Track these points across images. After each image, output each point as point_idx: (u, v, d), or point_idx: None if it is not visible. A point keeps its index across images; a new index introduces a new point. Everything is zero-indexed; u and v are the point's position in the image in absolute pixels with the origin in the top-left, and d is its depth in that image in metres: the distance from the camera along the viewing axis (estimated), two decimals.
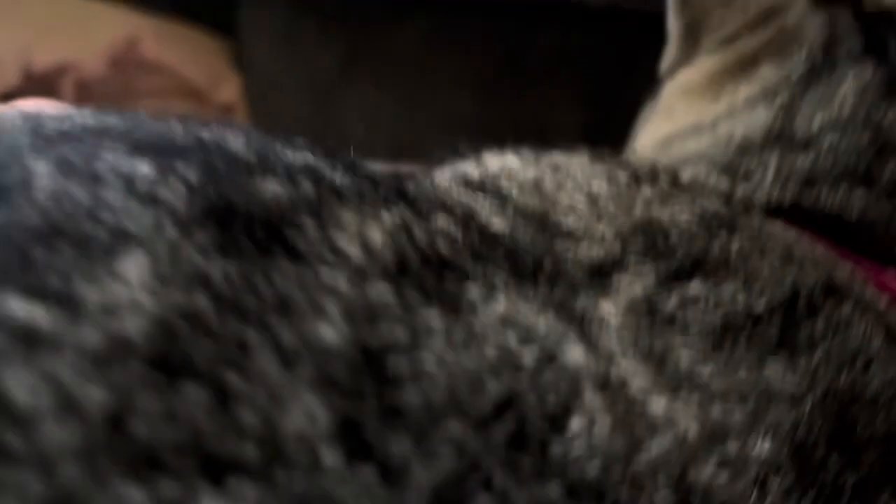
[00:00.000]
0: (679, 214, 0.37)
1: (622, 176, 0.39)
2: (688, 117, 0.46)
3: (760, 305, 0.34)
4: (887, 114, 0.44)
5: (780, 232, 0.39)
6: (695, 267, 0.35)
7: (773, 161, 0.43)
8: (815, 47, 0.45)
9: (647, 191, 0.38)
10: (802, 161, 0.43)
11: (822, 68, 0.45)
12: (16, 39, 0.86)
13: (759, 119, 0.44)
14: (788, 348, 0.33)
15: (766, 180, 0.43)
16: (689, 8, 0.48)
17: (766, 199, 0.43)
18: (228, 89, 0.89)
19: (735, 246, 0.36)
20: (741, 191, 0.43)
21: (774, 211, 0.42)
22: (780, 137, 0.44)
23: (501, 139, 0.82)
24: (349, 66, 0.86)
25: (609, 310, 0.32)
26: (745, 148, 0.44)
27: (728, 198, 0.43)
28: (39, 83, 0.87)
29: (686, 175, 0.44)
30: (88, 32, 0.87)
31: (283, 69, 0.89)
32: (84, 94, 0.88)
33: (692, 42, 0.48)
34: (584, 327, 0.31)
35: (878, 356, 0.35)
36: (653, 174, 0.39)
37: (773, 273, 0.35)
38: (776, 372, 0.32)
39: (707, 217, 0.37)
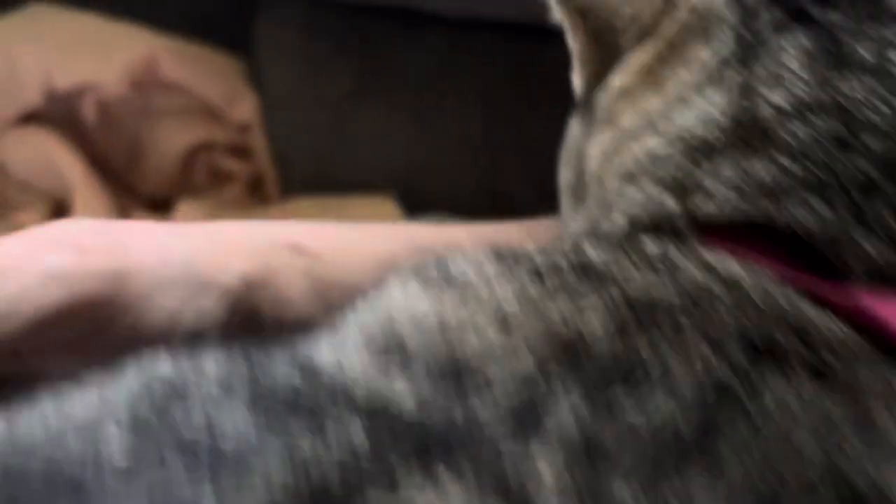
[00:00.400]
0: (591, 317, 0.35)
1: (524, 276, 0.37)
2: (634, 118, 0.43)
3: (680, 419, 0.33)
4: (847, 86, 0.40)
5: (713, 283, 0.37)
6: (619, 376, 0.34)
7: (727, 169, 0.40)
8: (734, 23, 0.42)
9: (551, 289, 0.36)
10: (760, 168, 0.40)
11: (752, 44, 0.41)
12: (38, 60, 0.88)
13: (713, 105, 0.41)
14: (710, 468, 0.33)
15: (717, 196, 0.40)
16: (592, 15, 0.44)
17: (716, 214, 0.40)
18: (244, 107, 0.91)
19: (652, 345, 0.35)
20: (690, 207, 0.40)
21: (724, 226, 0.40)
22: (737, 129, 0.40)
23: (511, 158, 0.83)
24: (362, 85, 0.87)
25: (544, 468, 0.32)
26: (699, 152, 0.40)
27: (673, 219, 0.40)
28: (61, 103, 0.89)
29: (628, 198, 0.41)
30: (108, 53, 0.88)
31: (297, 88, 0.90)
32: (104, 113, 0.90)
33: (607, 48, 0.44)
34: (517, 495, 0.31)
35: (805, 426, 0.34)
36: (555, 267, 0.37)
37: (693, 370, 0.34)
38: (701, 498, 0.32)
39: (620, 313, 0.35)
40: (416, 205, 0.85)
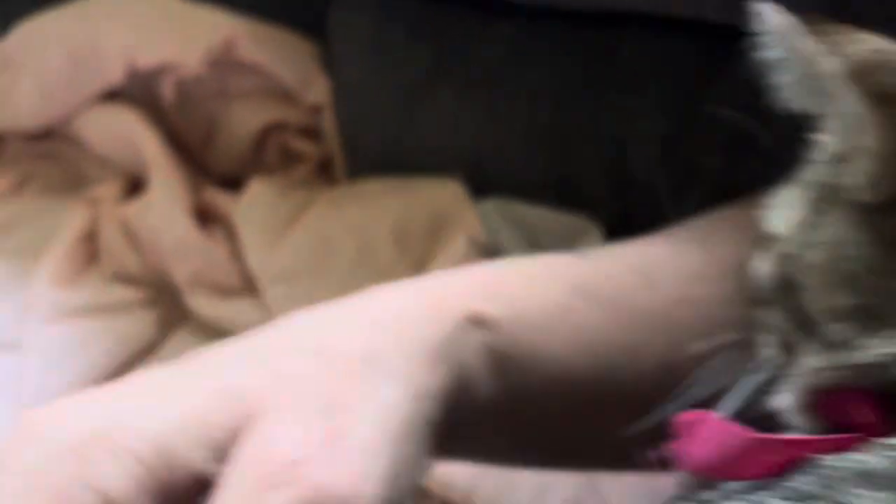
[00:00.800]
0: None
1: None
2: None
3: None
4: None
5: None
6: None
7: None
8: None
9: None
10: None
11: None
12: (121, 40, 0.91)
13: None
14: None
15: None
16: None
17: None
18: (317, 90, 0.92)
19: None
20: None
21: None
22: None
23: (579, 147, 0.84)
24: (434, 73, 0.88)
25: None
26: None
27: None
28: (141, 82, 0.92)
29: None
30: (189, 34, 0.90)
31: (369, 73, 0.91)
32: (182, 93, 0.92)
33: None
34: None
35: None
36: None
37: None
38: None
39: None
40: (481, 190, 0.86)
